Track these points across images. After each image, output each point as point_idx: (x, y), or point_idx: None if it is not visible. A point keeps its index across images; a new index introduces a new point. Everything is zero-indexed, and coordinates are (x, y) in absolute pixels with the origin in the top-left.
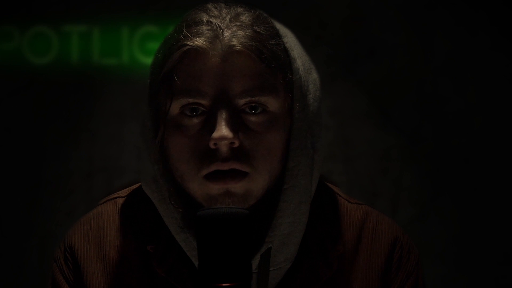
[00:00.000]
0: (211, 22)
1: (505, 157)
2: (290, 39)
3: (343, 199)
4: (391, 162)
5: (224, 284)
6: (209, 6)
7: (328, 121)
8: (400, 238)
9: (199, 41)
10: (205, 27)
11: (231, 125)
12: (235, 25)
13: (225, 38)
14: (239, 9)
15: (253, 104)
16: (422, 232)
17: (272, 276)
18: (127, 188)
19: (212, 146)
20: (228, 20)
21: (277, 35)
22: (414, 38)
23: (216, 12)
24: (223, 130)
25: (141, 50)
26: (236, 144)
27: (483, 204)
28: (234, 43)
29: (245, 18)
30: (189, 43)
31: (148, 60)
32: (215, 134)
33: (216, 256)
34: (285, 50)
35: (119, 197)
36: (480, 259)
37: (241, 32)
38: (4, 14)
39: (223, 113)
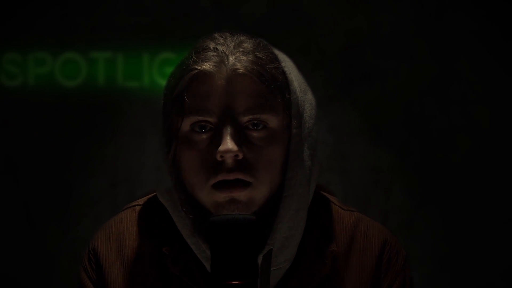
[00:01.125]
0: (217, 48)
1: (484, 169)
2: (287, 63)
3: (337, 206)
4: (382, 174)
5: (234, 282)
6: (216, 35)
7: (326, 137)
8: (389, 241)
9: (206, 66)
10: (212, 53)
11: (236, 140)
12: (238, 51)
13: (230, 63)
14: (242, 37)
15: (255, 121)
16: (410, 237)
17: (273, 275)
18: (145, 197)
19: (218, 158)
20: (232, 47)
21: (276, 59)
22: (403, 64)
23: (221, 40)
24: (228, 144)
25: (160, 74)
26: (240, 156)
27: (466, 211)
28: (238, 67)
29: (247, 45)
30: (197, 67)
31: None
32: (221, 148)
33: (227, 257)
34: (283, 73)
35: (137, 205)
36: (463, 262)
37: (244, 57)
38: (39, 42)
39: (229, 129)
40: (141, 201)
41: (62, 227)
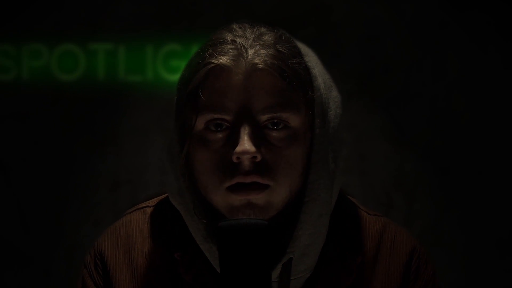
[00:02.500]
0: (235, 41)
1: None
2: (311, 58)
3: (363, 211)
4: (405, 176)
5: None
6: (234, 26)
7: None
8: (418, 249)
9: (223, 59)
10: (229, 46)
11: (254, 140)
12: (258, 44)
13: (249, 57)
14: (262, 29)
15: (275, 120)
16: (434, 244)
17: (292, 285)
18: (155, 198)
19: (235, 160)
20: (251, 39)
21: (298, 54)
22: (427, 56)
23: (240, 32)
24: (245, 144)
25: (165, 67)
26: (258, 158)
27: (493, 215)
28: (257, 61)
29: (268, 37)
30: (214, 61)
31: (172, 77)
32: (238, 149)
33: (237, 266)
34: (307, 69)
35: (147, 206)
36: (488, 268)
37: (264, 51)
38: (34, 32)
39: (246, 128)
40: (151, 202)
41: (59, 232)
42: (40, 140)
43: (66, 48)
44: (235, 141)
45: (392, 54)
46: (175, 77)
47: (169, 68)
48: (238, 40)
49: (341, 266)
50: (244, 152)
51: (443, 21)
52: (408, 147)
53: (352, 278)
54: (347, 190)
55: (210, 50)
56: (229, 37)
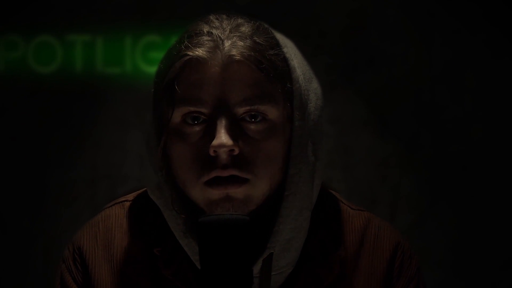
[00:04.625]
0: (211, 33)
1: (501, 164)
2: (290, 49)
3: (346, 205)
4: (389, 169)
5: None
6: (211, 17)
7: (328, 128)
8: (402, 244)
9: (199, 51)
10: (205, 38)
11: (231, 133)
12: (235, 35)
13: (225, 48)
14: (240, 20)
15: (253, 113)
16: (420, 238)
17: (273, 280)
18: (134, 193)
19: (212, 153)
20: (228, 31)
21: (277, 45)
22: (412, 48)
23: (217, 23)
24: (222, 138)
25: (144, 59)
26: (236, 151)
27: (480, 210)
28: (234, 53)
29: (245, 29)
30: (190, 53)
31: (151, 69)
32: (215, 142)
33: (218, 262)
34: (285, 60)
35: (126, 200)
36: (477, 265)
37: (240, 43)
38: (9, 23)
39: (223, 121)
40: (130, 196)
41: (36, 228)
42: (17, 134)
43: (42, 39)
44: (212, 134)
45: (376, 46)
46: (154, 69)
47: (148, 59)
48: (214, 31)
49: (323, 261)
50: (221, 146)
51: (428, 13)
52: (392, 139)
53: (335, 273)
54: (331, 185)
55: (186, 42)
56: (206, 29)
